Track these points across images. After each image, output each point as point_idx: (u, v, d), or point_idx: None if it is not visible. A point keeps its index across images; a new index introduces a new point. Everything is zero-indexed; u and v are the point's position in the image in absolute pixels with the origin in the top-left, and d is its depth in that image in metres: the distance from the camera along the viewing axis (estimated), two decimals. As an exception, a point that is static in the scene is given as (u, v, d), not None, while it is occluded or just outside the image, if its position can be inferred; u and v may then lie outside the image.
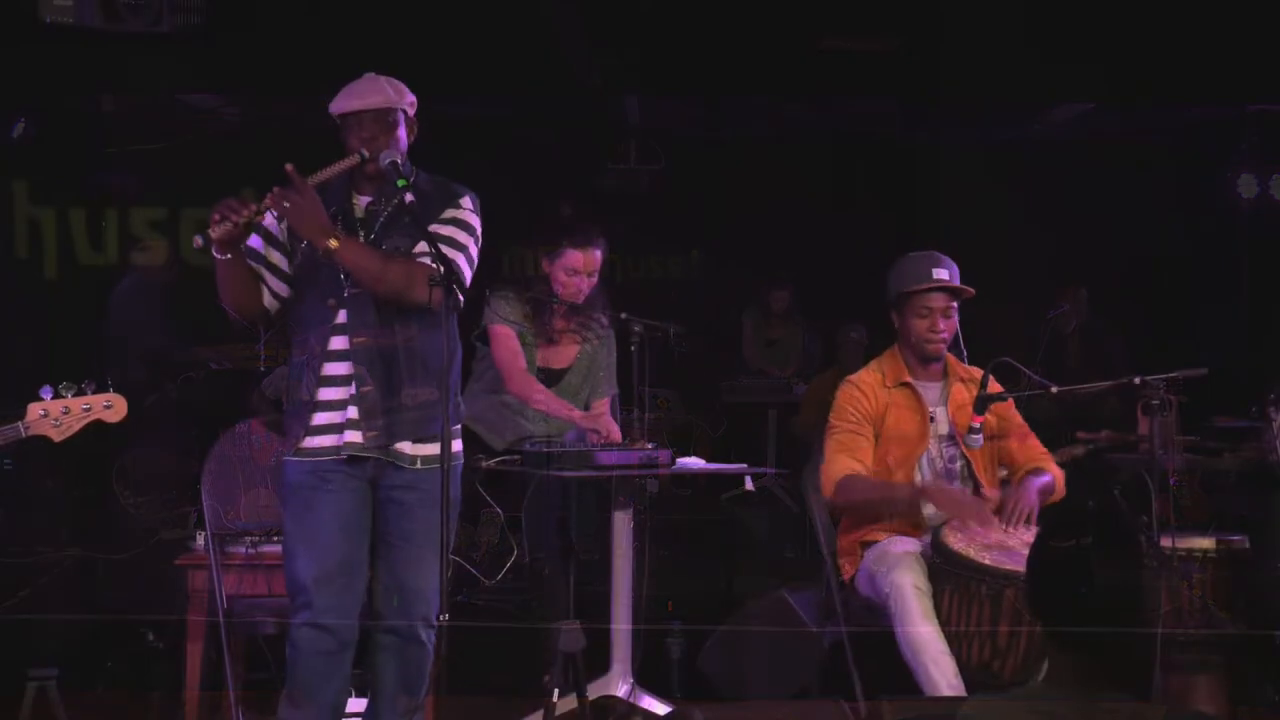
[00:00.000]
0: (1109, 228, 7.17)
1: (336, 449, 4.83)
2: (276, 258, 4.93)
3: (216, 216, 4.69)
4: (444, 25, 6.90)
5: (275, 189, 4.73)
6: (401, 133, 4.91)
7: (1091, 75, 7.04)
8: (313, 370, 4.86)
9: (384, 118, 4.88)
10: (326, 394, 4.86)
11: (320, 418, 4.85)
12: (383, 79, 4.95)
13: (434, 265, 4.65)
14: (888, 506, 5.63)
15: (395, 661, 4.89)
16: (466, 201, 4.92)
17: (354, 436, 4.83)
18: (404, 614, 4.87)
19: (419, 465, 4.86)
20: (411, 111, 4.96)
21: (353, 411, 4.83)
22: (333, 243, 4.73)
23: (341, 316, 4.85)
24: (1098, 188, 7.18)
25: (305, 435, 4.86)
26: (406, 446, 4.85)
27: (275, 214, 4.83)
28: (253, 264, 4.90)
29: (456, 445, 4.87)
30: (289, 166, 4.71)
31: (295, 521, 4.87)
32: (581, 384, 6.30)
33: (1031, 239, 7.16)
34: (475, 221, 4.92)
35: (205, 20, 6.57)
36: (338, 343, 4.86)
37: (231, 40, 6.68)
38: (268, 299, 4.93)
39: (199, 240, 4.74)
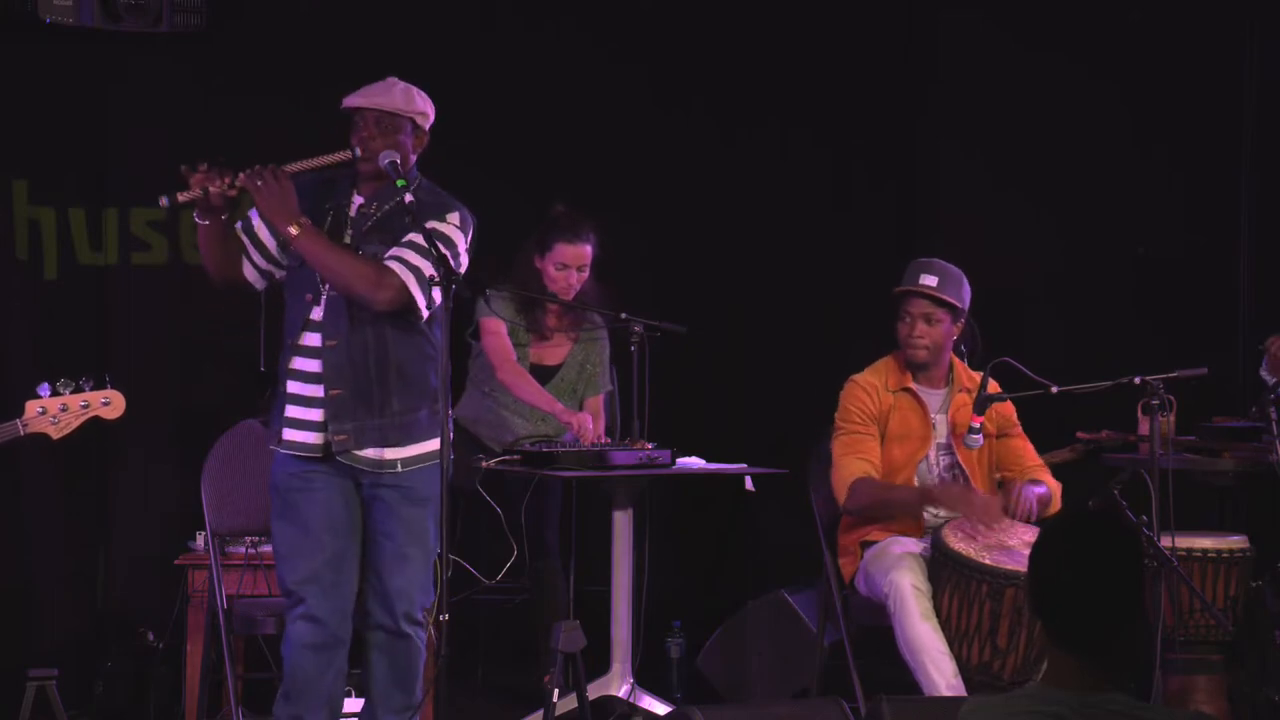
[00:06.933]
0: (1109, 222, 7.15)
1: (311, 447, 4.87)
2: (265, 236, 4.94)
3: (193, 181, 4.72)
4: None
5: (254, 167, 4.75)
6: (404, 139, 4.89)
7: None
8: (288, 361, 4.90)
9: (386, 121, 4.87)
10: (295, 388, 4.88)
11: (293, 410, 4.88)
12: (401, 84, 4.93)
13: (396, 269, 4.72)
14: (890, 509, 5.63)
15: (385, 659, 4.92)
16: (454, 217, 4.90)
17: (321, 438, 4.85)
18: (387, 612, 4.89)
19: (399, 468, 4.87)
20: (423, 123, 4.93)
21: (321, 413, 4.85)
22: (293, 229, 4.75)
23: (316, 314, 4.86)
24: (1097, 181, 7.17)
25: (284, 426, 4.89)
26: (372, 453, 4.86)
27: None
28: (242, 235, 4.92)
29: (434, 444, 4.85)
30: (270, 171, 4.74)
31: (281, 520, 4.92)
32: (576, 380, 6.29)
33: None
34: (456, 236, 4.88)
35: (205, 20, 6.56)
36: (310, 339, 4.87)
37: (231, 40, 6.66)
38: (249, 271, 4.96)
39: (164, 200, 4.77)
